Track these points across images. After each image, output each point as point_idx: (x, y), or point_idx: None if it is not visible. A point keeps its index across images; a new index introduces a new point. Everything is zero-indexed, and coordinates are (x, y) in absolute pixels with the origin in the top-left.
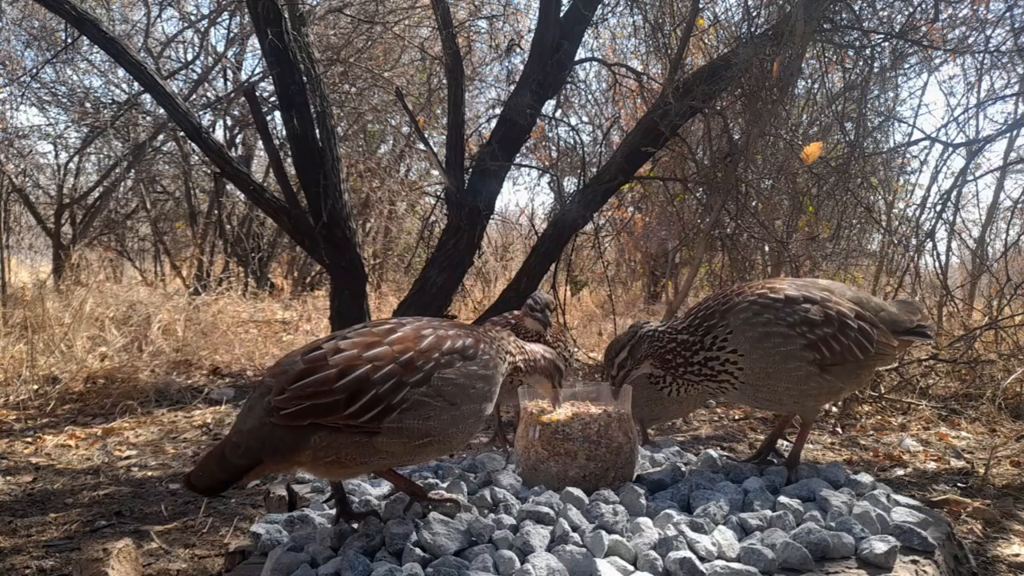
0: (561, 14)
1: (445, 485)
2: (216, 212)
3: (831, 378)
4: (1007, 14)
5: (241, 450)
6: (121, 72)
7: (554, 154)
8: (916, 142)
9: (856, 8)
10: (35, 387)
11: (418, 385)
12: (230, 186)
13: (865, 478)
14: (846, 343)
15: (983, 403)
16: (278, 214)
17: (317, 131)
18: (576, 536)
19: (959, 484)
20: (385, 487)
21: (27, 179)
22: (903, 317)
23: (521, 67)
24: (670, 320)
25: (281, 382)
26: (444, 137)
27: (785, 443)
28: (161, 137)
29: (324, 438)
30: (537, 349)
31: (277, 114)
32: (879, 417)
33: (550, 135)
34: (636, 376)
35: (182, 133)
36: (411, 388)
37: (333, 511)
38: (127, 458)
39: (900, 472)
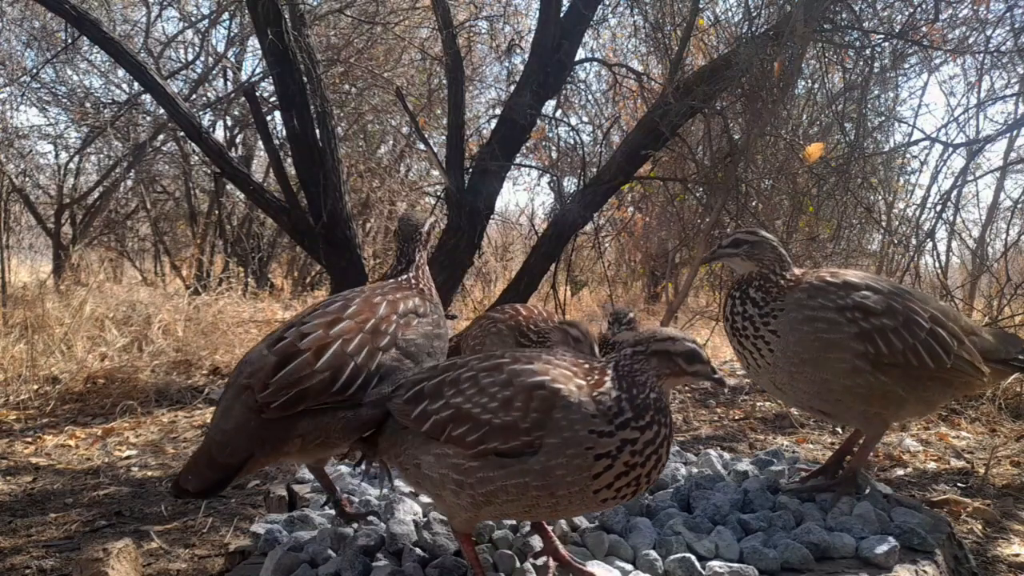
0: (561, 14)
1: None
2: (216, 212)
3: (886, 380)
4: (1007, 14)
5: (229, 449)
6: (121, 72)
7: (554, 154)
8: (916, 142)
9: (856, 8)
10: (35, 387)
11: (387, 349)
12: (230, 186)
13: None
14: (911, 342)
15: (983, 403)
16: (278, 214)
17: (317, 131)
18: (576, 536)
19: (959, 484)
20: (385, 488)
21: (27, 179)
22: (998, 346)
23: (521, 67)
24: (790, 266)
25: (260, 378)
26: (444, 137)
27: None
28: (161, 137)
29: (311, 422)
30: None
31: (277, 114)
32: None
33: (550, 135)
34: (726, 260)
35: (182, 133)
36: (383, 353)
37: (333, 511)
38: (127, 458)
39: (900, 472)
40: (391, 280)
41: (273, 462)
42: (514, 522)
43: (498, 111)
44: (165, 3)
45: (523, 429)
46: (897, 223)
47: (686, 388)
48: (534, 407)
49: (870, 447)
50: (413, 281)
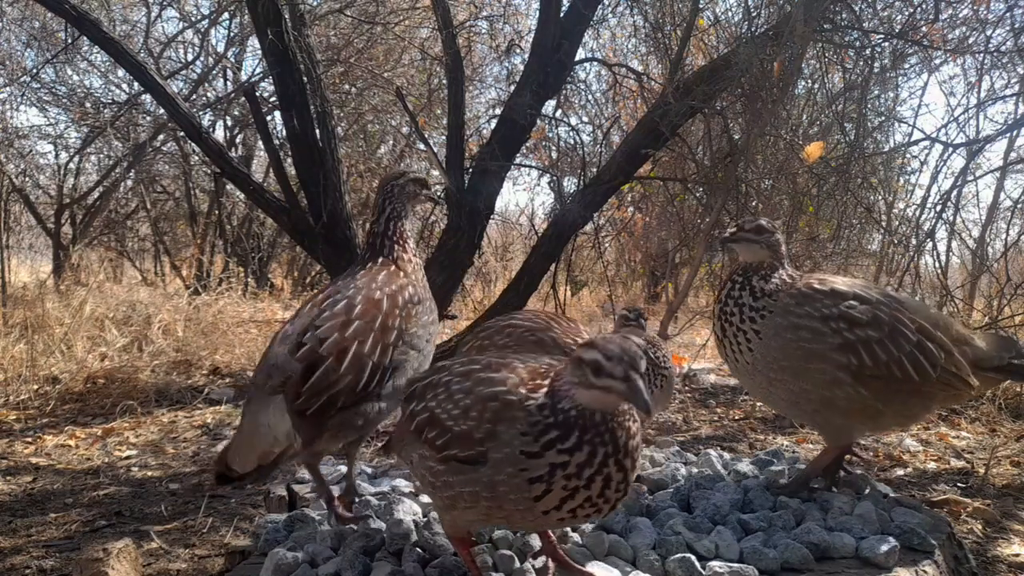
0: (561, 14)
1: None
2: (216, 212)
3: (867, 394)
4: (1007, 14)
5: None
6: (121, 72)
7: (554, 154)
8: (916, 142)
9: (856, 8)
10: (35, 387)
11: (396, 344)
12: (230, 186)
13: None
14: (896, 355)
15: (983, 403)
16: (278, 214)
17: (317, 131)
18: (576, 536)
19: (959, 484)
20: (384, 487)
21: (27, 179)
22: (990, 353)
23: (521, 67)
24: (790, 265)
25: (292, 387)
26: (444, 137)
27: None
28: (161, 137)
29: (339, 418)
30: None
31: (277, 114)
32: None
33: (550, 135)
34: (744, 247)
35: (182, 133)
36: (393, 349)
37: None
38: (127, 458)
39: (900, 472)
40: (380, 264)
41: (306, 454)
42: None
43: (498, 111)
44: (165, 3)
45: (477, 439)
46: (897, 223)
47: (686, 388)
48: (487, 418)
49: (831, 456)
50: (401, 261)
